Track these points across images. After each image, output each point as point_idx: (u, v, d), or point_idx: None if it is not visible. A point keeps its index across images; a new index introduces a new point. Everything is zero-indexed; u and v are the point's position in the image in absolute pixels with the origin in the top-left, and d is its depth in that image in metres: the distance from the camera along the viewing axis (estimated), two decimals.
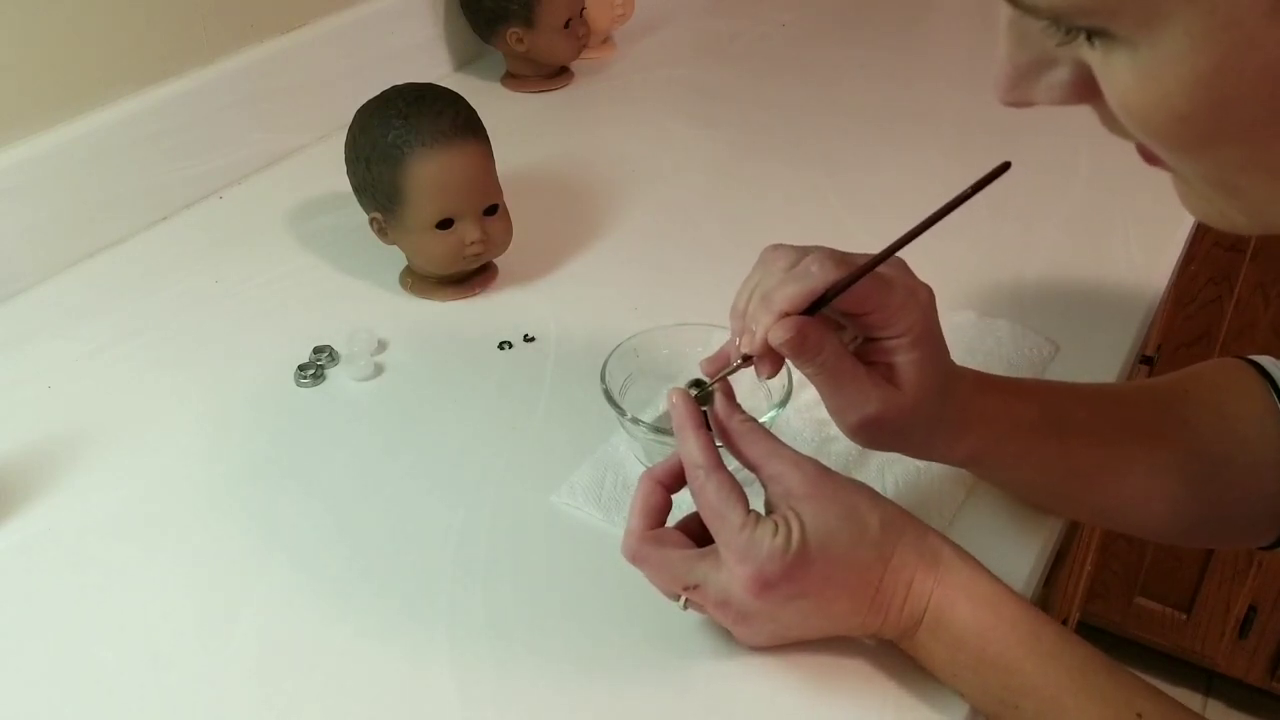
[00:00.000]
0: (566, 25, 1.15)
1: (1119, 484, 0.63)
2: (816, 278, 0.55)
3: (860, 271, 0.55)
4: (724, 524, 0.53)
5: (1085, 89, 0.39)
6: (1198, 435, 0.64)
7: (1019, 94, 0.41)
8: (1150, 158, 0.40)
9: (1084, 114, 0.42)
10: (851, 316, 0.57)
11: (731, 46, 1.33)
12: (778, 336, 0.55)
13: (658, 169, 1.06)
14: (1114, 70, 0.36)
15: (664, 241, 0.94)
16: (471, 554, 0.64)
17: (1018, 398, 0.62)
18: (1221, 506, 0.64)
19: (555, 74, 1.22)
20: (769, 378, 0.59)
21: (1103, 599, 1.79)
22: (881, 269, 0.55)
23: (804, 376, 0.59)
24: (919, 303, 0.57)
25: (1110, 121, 0.39)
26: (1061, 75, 0.40)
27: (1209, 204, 0.41)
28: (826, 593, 0.53)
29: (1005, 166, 0.52)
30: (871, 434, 0.59)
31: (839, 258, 0.56)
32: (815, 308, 0.55)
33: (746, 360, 0.58)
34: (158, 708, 0.56)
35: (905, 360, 0.57)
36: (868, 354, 0.58)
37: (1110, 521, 0.69)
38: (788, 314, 0.55)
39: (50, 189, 0.87)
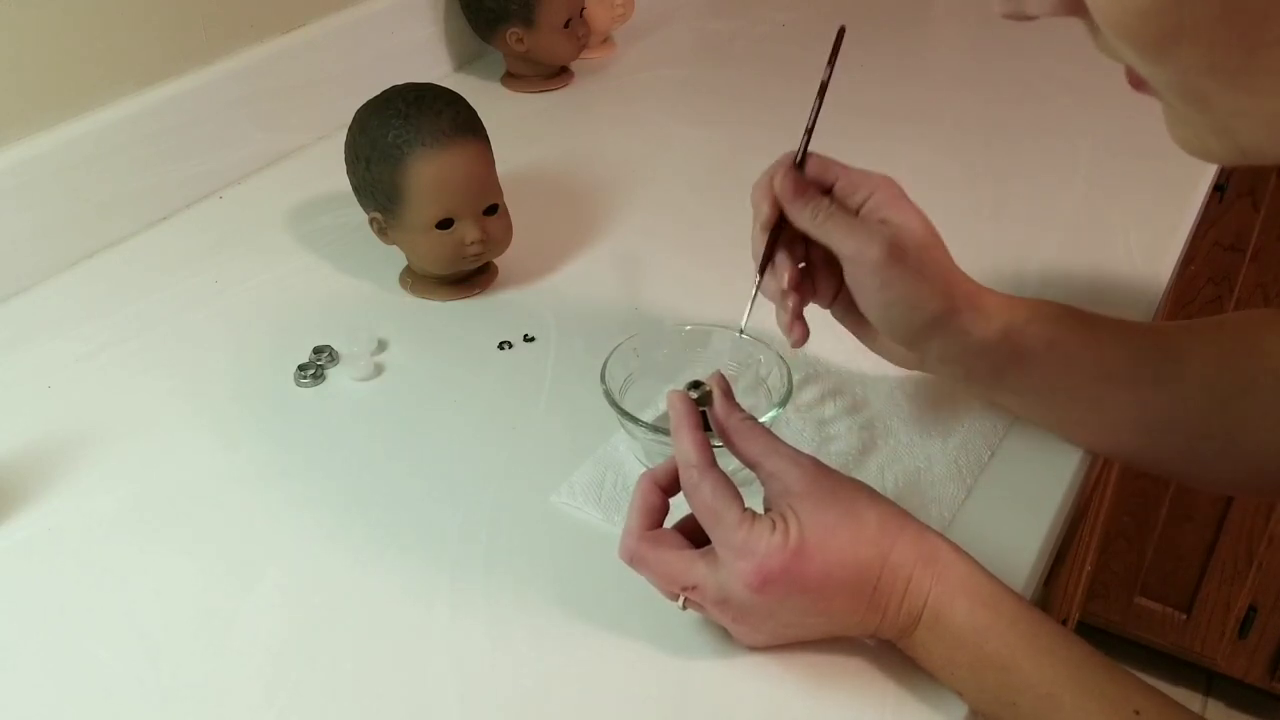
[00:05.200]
0: (566, 25, 1.15)
1: (1147, 394, 0.64)
2: (783, 158, 0.67)
3: (807, 136, 0.68)
4: (720, 523, 0.53)
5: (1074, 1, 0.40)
6: (1222, 359, 0.65)
7: (1013, 5, 0.42)
8: (1135, 81, 0.41)
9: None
10: (826, 193, 0.66)
11: (731, 46, 1.33)
12: (780, 184, 0.65)
13: (658, 169, 1.06)
14: None
15: (664, 241, 0.94)
16: (471, 554, 0.64)
17: (1042, 301, 0.68)
18: (1236, 436, 0.64)
19: (555, 74, 1.22)
20: (796, 337, 0.67)
21: (1103, 599, 1.79)
22: None
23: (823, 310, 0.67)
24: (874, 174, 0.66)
25: (1099, 39, 0.40)
26: None
27: (1188, 127, 0.41)
28: (825, 589, 0.53)
29: (841, 30, 0.64)
30: (902, 259, 0.62)
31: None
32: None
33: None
34: (157, 708, 0.56)
35: (887, 208, 0.64)
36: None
37: (1119, 445, 0.69)
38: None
39: (50, 189, 0.87)
